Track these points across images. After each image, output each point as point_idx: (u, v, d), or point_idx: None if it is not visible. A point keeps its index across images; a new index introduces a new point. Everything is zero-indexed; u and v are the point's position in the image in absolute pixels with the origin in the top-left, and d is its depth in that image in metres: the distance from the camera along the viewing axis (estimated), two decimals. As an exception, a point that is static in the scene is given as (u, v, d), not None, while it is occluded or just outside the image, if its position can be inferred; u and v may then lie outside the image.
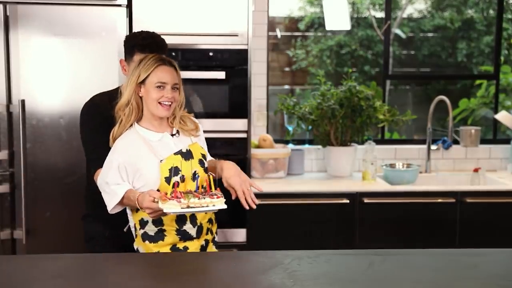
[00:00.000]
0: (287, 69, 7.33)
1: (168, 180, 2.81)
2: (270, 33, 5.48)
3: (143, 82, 2.86)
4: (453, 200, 4.36)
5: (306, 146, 5.13)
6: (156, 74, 2.85)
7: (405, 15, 7.86)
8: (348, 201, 4.30)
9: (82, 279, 2.32)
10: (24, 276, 2.32)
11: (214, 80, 4.15)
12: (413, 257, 2.63)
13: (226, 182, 2.89)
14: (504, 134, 5.91)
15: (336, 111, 4.62)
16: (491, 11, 7.66)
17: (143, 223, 2.88)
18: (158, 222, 2.85)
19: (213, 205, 2.63)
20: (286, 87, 7.17)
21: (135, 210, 2.85)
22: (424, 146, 5.14)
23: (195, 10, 4.14)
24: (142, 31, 3.24)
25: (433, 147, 5.15)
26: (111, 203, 2.83)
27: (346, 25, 6.26)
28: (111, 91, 3.27)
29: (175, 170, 2.83)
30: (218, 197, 2.65)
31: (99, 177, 2.91)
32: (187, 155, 2.90)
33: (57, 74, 4.00)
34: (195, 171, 2.88)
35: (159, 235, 2.86)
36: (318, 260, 2.54)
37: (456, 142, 5.23)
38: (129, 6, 4.05)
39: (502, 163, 5.24)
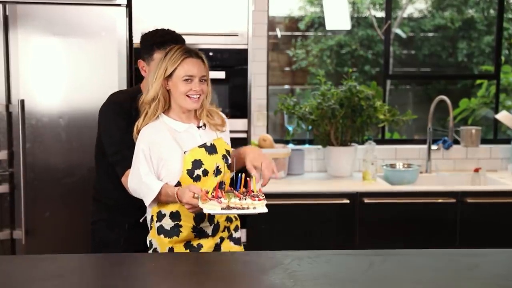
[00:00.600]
0: (287, 69, 7.33)
1: (190, 172, 2.78)
2: (270, 33, 5.48)
3: (170, 75, 2.81)
4: (454, 200, 4.36)
5: (306, 146, 5.13)
6: (183, 67, 2.80)
7: (405, 15, 7.86)
8: (348, 201, 4.30)
9: (82, 279, 2.32)
10: (24, 277, 2.32)
11: (214, 80, 4.12)
12: (413, 257, 2.63)
13: (251, 163, 2.85)
14: (504, 134, 5.91)
15: (336, 111, 4.62)
16: (491, 11, 7.66)
17: (160, 216, 2.86)
18: (175, 216, 2.83)
19: (254, 208, 2.54)
20: (286, 87, 7.17)
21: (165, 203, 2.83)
22: (425, 146, 5.14)
23: (195, 9, 4.14)
24: (157, 29, 3.19)
25: (434, 147, 5.15)
26: (147, 199, 2.79)
27: (346, 25, 6.27)
28: (131, 90, 3.25)
29: (198, 163, 2.80)
30: (260, 199, 2.57)
31: (130, 177, 2.87)
32: (211, 149, 2.87)
33: (57, 74, 4.00)
34: (218, 166, 2.84)
35: (175, 230, 2.83)
36: (318, 261, 2.54)
37: (456, 142, 5.23)
38: (128, 5, 4.05)
39: (502, 163, 5.24)
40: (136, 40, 4.05)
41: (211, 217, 2.85)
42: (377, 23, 7.30)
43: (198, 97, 2.83)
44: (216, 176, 2.83)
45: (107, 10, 4.01)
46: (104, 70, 4.01)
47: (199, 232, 2.86)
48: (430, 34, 7.93)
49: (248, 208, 2.53)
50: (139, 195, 2.84)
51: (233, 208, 2.53)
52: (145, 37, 3.18)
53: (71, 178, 4.04)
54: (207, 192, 2.58)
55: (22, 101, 3.92)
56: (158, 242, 2.86)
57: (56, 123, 4.01)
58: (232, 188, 2.67)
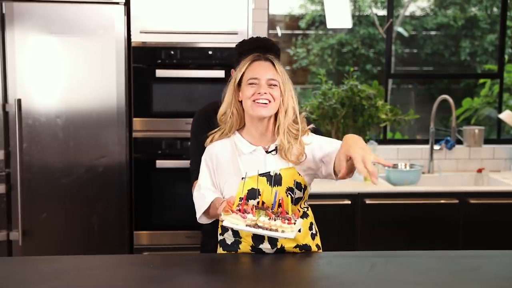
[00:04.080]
0: (287, 68, 7.34)
1: (250, 203, 2.56)
2: (271, 31, 5.48)
3: (239, 83, 2.67)
4: (456, 201, 4.36)
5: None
6: (249, 70, 2.65)
7: (407, 13, 7.86)
8: (349, 202, 4.30)
9: (79, 281, 2.32)
10: (21, 278, 2.32)
11: (214, 79, 4.14)
12: (415, 259, 2.63)
13: (346, 153, 2.40)
14: (508, 134, 5.92)
15: (337, 110, 4.62)
16: (495, 9, 7.67)
17: (224, 229, 2.73)
18: (236, 232, 2.67)
19: (282, 231, 2.36)
20: (287, 86, 7.16)
21: None
22: (427, 146, 5.14)
23: (194, 8, 4.14)
24: (252, 37, 3.15)
25: (436, 147, 5.15)
26: (200, 210, 2.68)
27: (348, 23, 6.26)
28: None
29: (254, 193, 2.59)
30: (290, 223, 2.38)
31: (195, 187, 2.78)
32: (274, 179, 2.62)
33: (54, 73, 4.00)
34: (278, 200, 2.53)
35: (234, 246, 2.70)
36: (319, 262, 2.54)
37: (459, 142, 5.23)
38: (127, 4, 4.05)
39: (506, 163, 5.24)
40: (135, 38, 4.06)
41: (272, 240, 2.62)
42: (379, 21, 7.31)
43: (267, 104, 2.61)
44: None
45: (105, 8, 4.01)
46: (102, 69, 4.01)
47: (258, 253, 2.67)
48: (433, 33, 7.94)
49: (276, 230, 2.37)
50: (195, 206, 2.73)
51: (260, 227, 2.38)
52: (236, 46, 3.19)
53: (69, 179, 4.04)
54: (233, 204, 2.46)
55: (19, 101, 3.92)
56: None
57: (54, 123, 4.01)
58: (267, 206, 2.52)
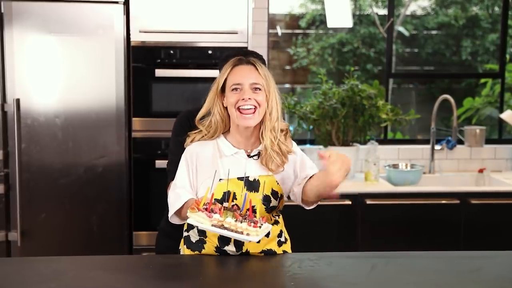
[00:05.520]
0: (287, 67, 7.34)
1: (218, 203, 2.49)
2: (271, 31, 5.48)
3: (223, 90, 2.62)
4: (457, 202, 4.36)
5: (307, 146, 5.13)
6: (231, 75, 2.59)
7: (408, 12, 7.86)
8: (350, 203, 4.30)
9: (78, 282, 2.32)
10: (19, 279, 2.32)
11: (213, 78, 4.12)
12: (416, 259, 2.63)
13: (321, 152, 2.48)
14: (509, 134, 5.92)
15: (338, 110, 4.62)
16: (496, 8, 7.67)
17: (190, 226, 2.69)
18: (202, 231, 2.62)
19: (247, 234, 2.32)
20: (287, 85, 7.18)
21: None
22: (428, 146, 5.14)
23: (193, 7, 4.14)
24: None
25: (437, 147, 5.15)
26: (172, 209, 2.62)
27: (348, 23, 6.27)
28: None
29: (229, 196, 2.54)
30: (255, 226, 2.33)
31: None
32: (252, 185, 2.59)
33: (53, 72, 4.00)
34: (253, 207, 2.52)
35: (198, 245, 2.66)
36: (319, 263, 2.54)
37: (460, 142, 5.23)
38: (126, 3, 4.05)
39: (507, 163, 5.24)
40: (134, 38, 4.06)
41: (238, 243, 2.58)
42: (380, 20, 7.31)
43: (253, 111, 2.56)
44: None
45: (104, 7, 4.01)
46: (101, 69, 4.01)
47: (222, 255, 2.63)
48: (434, 32, 7.95)
49: (242, 233, 2.32)
50: (169, 205, 2.68)
51: (226, 228, 2.33)
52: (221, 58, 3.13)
53: (68, 179, 4.04)
54: (199, 203, 2.42)
55: (18, 100, 3.92)
56: (184, 252, 2.73)
57: (52, 123, 4.01)
58: (236, 208, 2.48)
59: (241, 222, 2.33)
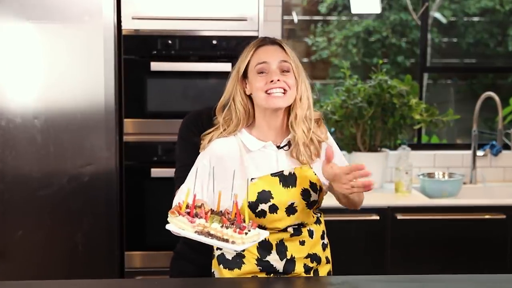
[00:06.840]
0: (305, 60, 7.35)
1: (253, 206, 2.55)
2: (285, 17, 5.48)
3: (245, 75, 2.66)
4: (504, 216, 4.34)
5: (328, 151, 5.12)
6: (255, 57, 2.63)
7: (446, -4, 7.85)
8: (378, 218, 4.29)
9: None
10: (-9, 307, 2.33)
11: (218, 72, 4.14)
12: (455, 284, 2.62)
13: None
14: None
15: (363, 110, 4.61)
16: (549, -9, 7.64)
17: None
18: None
19: (232, 242, 2.27)
20: (304, 81, 7.17)
21: None
22: (469, 152, 5.13)
23: (195, -10, 4.15)
24: None
25: (480, 153, 5.14)
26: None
27: (376, 8, 6.25)
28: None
29: (265, 196, 2.56)
30: (241, 232, 2.27)
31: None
32: (288, 180, 2.62)
33: (31, 66, 4.01)
34: (292, 204, 2.59)
35: (236, 262, 2.65)
36: (343, 287, 2.53)
37: (506, 147, 5.22)
38: (117, -15, 4.06)
39: (562, 172, 5.22)
40: (126, 25, 4.07)
41: (281, 249, 2.63)
42: (413, 5, 7.29)
43: (284, 93, 2.59)
44: (289, 215, 2.61)
45: (91, -10, 4.02)
46: (88, 61, 4.02)
47: (265, 267, 2.63)
48: (476, 19, 7.93)
49: (227, 240, 2.28)
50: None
51: (211, 235, 2.30)
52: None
53: (49, 190, 4.04)
54: (186, 206, 2.39)
55: (-9, 99, 3.94)
56: (219, 273, 2.70)
57: (31, 125, 4.01)
58: (226, 211, 2.41)
59: (227, 228, 2.29)
